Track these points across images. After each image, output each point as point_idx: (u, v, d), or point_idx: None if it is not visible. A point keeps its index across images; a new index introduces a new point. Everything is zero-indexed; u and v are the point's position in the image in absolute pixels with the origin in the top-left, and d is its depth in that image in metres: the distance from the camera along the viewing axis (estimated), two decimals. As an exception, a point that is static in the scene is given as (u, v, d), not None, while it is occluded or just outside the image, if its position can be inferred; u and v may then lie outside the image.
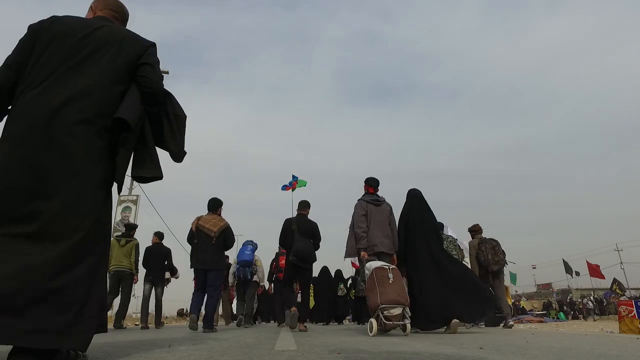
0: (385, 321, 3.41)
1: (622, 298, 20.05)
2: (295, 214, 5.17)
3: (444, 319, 3.73)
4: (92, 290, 1.43)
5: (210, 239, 4.77)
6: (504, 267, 5.86)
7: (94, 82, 1.56)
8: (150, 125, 1.78)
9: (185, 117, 1.92)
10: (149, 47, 1.76)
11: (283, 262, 5.24)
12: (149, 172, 1.73)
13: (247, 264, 6.87)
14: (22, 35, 1.64)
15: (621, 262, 36.16)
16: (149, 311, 6.67)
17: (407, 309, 3.55)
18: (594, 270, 24.05)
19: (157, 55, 1.81)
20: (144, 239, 6.66)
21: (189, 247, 4.96)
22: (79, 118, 1.47)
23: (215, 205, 5.14)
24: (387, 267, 3.70)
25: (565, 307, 24.82)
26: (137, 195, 13.81)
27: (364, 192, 4.50)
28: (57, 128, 1.43)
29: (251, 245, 6.91)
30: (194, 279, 5.01)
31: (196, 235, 4.87)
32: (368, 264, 3.79)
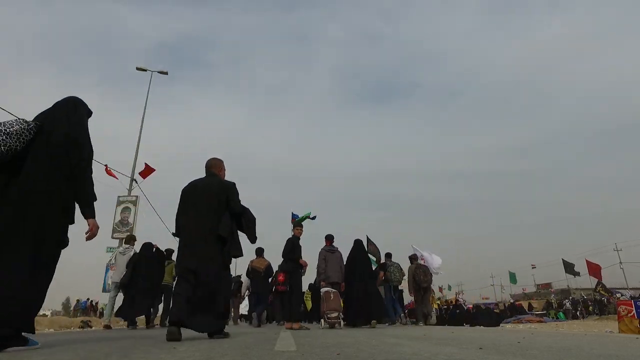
0: (328, 320, 6.02)
1: (622, 298, 20.03)
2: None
3: (367, 317, 6.25)
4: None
5: (260, 273, 8.27)
6: (431, 284, 8.85)
7: (214, 213, 3.22)
8: (236, 224, 3.31)
9: (255, 219, 3.43)
10: (231, 187, 3.36)
11: (281, 277, 6.30)
12: (237, 253, 3.28)
13: None
14: (180, 196, 3.39)
15: (620, 262, 36.16)
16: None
17: (341, 314, 6.23)
18: (595, 270, 24.05)
19: (236, 188, 3.39)
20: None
21: None
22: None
23: (261, 251, 8.48)
24: (330, 290, 6.29)
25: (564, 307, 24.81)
26: (137, 196, 13.76)
27: (325, 243, 6.83)
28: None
29: None
30: (249, 297, 9.25)
31: (251, 272, 8.40)
32: (322, 289, 6.46)
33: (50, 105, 2.51)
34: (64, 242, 2.29)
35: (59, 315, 26.67)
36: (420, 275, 8.37)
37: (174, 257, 7.91)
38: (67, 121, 2.40)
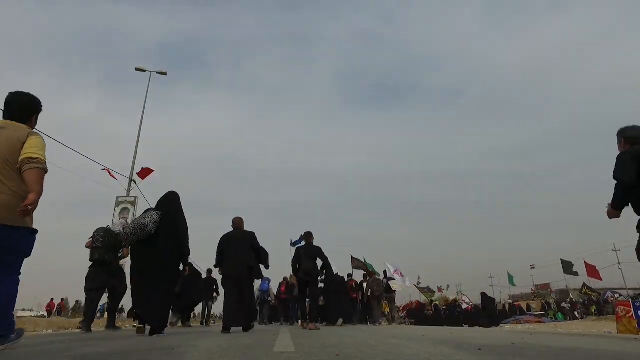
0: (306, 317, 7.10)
1: (620, 299, 20.02)
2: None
3: (337, 318, 8.88)
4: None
5: (294, 286, 9.77)
6: (382, 294, 11.57)
7: (245, 253, 5.16)
8: (257, 258, 5.30)
9: (268, 253, 5.44)
10: (254, 236, 5.33)
11: (283, 288, 9.78)
12: (259, 277, 5.51)
13: (265, 292, 12.79)
14: (220, 241, 5.36)
15: (619, 263, 36.17)
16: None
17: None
18: (592, 270, 24.02)
19: (257, 238, 5.39)
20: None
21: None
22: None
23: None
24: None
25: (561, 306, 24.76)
26: (135, 197, 13.71)
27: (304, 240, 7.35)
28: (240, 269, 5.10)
29: (267, 281, 12.39)
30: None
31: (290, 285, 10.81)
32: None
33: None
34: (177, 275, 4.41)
35: (57, 317, 26.64)
36: (374, 287, 11.25)
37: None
38: (176, 210, 4.36)
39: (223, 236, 5.40)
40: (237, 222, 5.54)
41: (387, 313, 12.48)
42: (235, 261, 5.11)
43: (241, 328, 4.84)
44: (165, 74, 15.93)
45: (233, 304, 4.95)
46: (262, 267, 5.54)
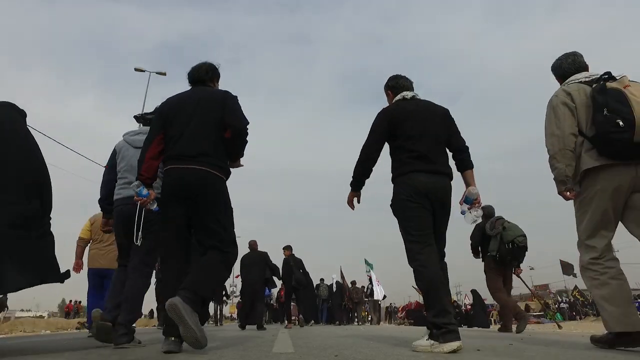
0: (291, 319, 8.23)
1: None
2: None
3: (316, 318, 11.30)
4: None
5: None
6: (361, 301, 13.86)
7: (262, 270, 6.93)
8: (272, 272, 7.08)
9: (279, 268, 7.11)
10: (267, 256, 6.93)
11: (282, 293, 10.13)
12: (272, 287, 8.04)
13: (267, 296, 13.20)
14: (240, 262, 6.83)
15: (618, 263, 36.16)
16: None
17: (296, 318, 8.75)
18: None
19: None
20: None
21: None
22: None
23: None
24: (290, 304, 8.65)
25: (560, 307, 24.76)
26: (134, 197, 13.69)
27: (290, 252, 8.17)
28: None
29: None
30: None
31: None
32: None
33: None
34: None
35: (56, 317, 26.79)
36: (354, 293, 13.58)
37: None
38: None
39: (242, 258, 6.66)
40: (252, 245, 6.99)
41: (363, 315, 14.70)
42: (253, 278, 6.60)
43: (253, 326, 6.42)
44: (164, 74, 15.89)
45: (248, 310, 6.69)
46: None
